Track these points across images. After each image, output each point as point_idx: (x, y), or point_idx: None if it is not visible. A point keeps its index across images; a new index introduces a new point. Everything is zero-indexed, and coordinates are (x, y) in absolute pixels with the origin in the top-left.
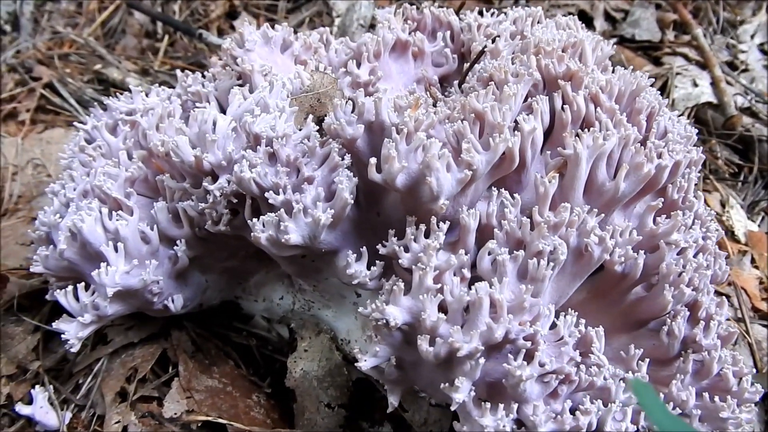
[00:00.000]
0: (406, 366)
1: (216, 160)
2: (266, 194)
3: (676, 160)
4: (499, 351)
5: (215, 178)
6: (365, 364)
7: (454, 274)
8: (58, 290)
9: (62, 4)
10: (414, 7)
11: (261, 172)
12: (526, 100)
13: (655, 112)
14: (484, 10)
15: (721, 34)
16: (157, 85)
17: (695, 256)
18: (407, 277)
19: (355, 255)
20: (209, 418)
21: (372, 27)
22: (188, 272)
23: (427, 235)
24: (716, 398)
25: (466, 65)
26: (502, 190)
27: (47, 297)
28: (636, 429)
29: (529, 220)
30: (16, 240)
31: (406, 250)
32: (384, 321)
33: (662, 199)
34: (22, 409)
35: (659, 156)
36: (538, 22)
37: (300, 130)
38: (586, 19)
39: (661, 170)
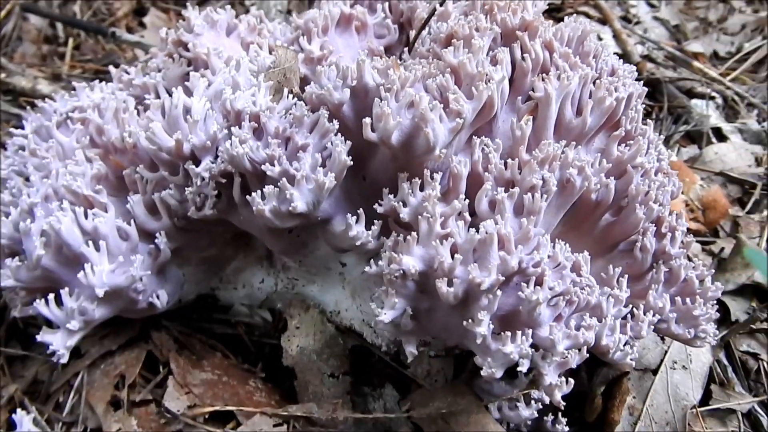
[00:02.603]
0: (420, 315)
1: (200, 141)
2: (263, 167)
3: (630, 92)
4: (507, 284)
5: (195, 162)
6: (385, 317)
7: (457, 219)
8: (37, 301)
9: None
10: None
11: (253, 146)
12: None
13: (600, 53)
14: None
15: None
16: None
17: (655, 175)
18: (405, 232)
19: (355, 218)
20: (216, 408)
21: (289, 12)
22: (166, 267)
23: (421, 188)
24: (687, 300)
25: (412, 33)
26: (483, 137)
27: (16, 314)
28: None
29: (515, 161)
30: None
31: (404, 204)
32: (401, 272)
33: (623, 129)
34: None
35: (615, 90)
36: None
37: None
38: None
39: (620, 102)
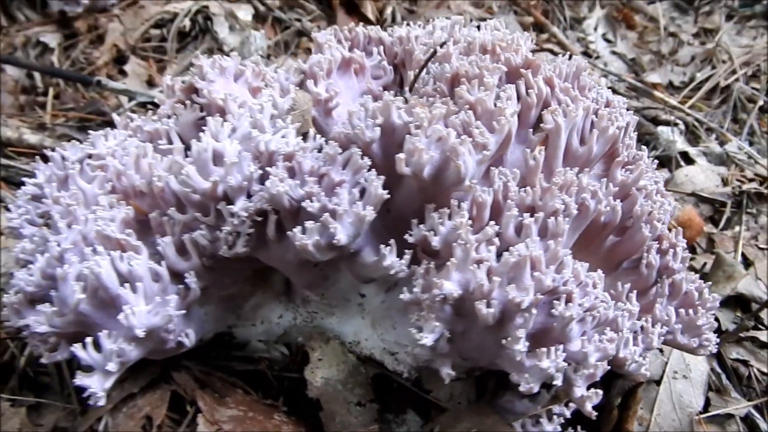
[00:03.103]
0: (455, 337)
1: (237, 182)
2: (303, 204)
3: (627, 122)
4: (536, 304)
5: (229, 202)
6: (426, 341)
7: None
8: (75, 345)
9: None
10: (345, 28)
11: (291, 184)
12: None
13: (593, 87)
14: (411, 23)
15: (571, 30)
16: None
17: (655, 196)
18: (435, 260)
19: (388, 248)
20: None
21: (269, 57)
22: (191, 306)
23: (449, 218)
24: (690, 311)
25: (407, 73)
26: (500, 167)
27: (44, 360)
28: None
29: (536, 188)
30: None
31: (435, 233)
32: (441, 296)
33: (626, 154)
34: None
35: (616, 119)
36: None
37: None
38: None
39: (620, 131)
